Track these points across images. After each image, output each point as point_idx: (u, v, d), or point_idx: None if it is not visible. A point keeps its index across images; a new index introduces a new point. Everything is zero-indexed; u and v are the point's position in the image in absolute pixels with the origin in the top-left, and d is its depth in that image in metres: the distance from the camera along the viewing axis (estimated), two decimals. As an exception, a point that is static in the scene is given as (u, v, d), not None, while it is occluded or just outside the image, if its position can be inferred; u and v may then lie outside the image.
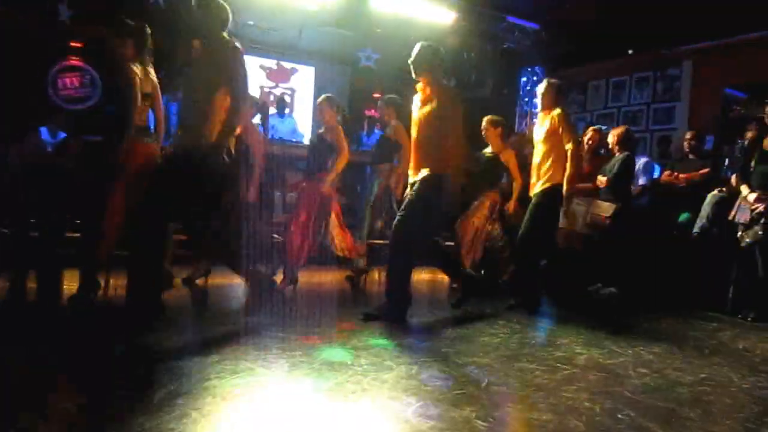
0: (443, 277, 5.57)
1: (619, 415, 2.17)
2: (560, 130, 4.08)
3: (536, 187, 4.25)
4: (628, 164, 5.11)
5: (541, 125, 4.27)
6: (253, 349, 2.76)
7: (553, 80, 4.37)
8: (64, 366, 2.48)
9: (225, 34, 3.24)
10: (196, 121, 3.20)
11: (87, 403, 2.09)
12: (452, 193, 3.71)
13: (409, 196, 3.70)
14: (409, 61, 3.66)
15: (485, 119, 5.08)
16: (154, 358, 2.66)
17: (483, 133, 5.07)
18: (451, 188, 3.67)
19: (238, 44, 3.22)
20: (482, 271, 5.03)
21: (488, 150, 5.10)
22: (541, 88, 4.31)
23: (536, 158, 4.27)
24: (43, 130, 6.51)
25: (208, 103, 3.15)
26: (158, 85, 3.71)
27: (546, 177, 4.17)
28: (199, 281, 4.44)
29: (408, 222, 3.60)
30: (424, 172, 3.64)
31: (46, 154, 5.91)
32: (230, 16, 3.27)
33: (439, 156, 3.63)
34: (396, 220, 3.68)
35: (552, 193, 4.15)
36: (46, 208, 5.11)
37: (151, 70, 3.70)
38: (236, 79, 3.15)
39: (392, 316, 3.58)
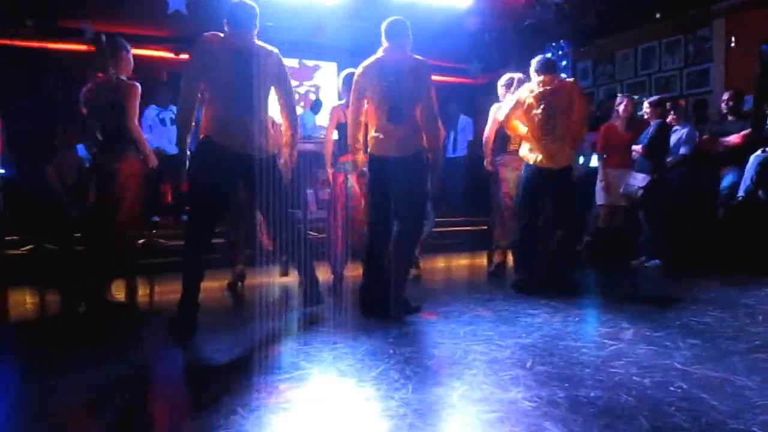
0: (481, 261, 5.53)
1: (671, 388, 2.11)
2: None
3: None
4: (661, 132, 4.96)
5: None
6: (295, 344, 2.79)
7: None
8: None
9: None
10: None
11: (135, 402, 2.15)
12: None
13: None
14: None
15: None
16: (198, 359, 2.73)
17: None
18: None
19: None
20: None
21: None
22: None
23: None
24: (80, 147, 6.71)
25: None
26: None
27: None
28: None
29: None
30: None
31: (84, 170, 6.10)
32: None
33: None
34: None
35: None
36: (89, 221, 5.28)
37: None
38: None
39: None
